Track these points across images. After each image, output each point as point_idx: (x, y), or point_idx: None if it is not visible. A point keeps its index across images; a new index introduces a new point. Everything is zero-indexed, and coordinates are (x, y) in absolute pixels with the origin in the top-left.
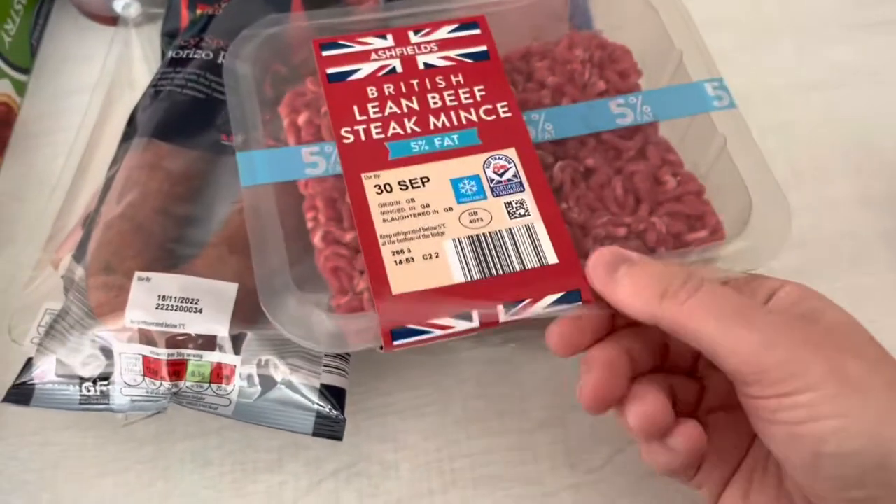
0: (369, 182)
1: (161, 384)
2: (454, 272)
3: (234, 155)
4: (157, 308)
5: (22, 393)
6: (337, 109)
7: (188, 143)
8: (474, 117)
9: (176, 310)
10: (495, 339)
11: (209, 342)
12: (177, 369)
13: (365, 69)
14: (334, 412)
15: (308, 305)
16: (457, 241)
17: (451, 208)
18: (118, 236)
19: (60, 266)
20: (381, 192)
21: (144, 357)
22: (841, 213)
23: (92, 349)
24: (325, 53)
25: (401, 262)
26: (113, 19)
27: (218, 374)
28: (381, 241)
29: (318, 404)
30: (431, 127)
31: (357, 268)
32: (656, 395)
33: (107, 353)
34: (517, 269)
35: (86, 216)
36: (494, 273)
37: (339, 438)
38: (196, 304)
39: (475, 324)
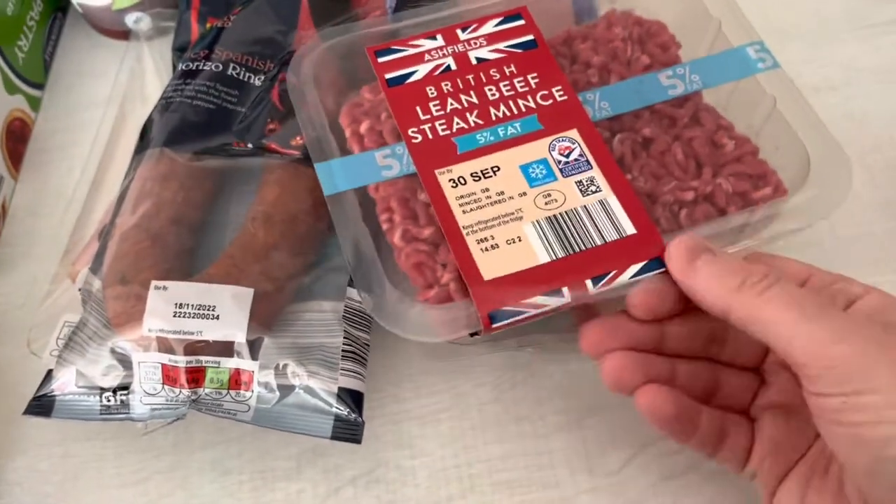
0: (443, 177)
1: (180, 392)
2: (539, 253)
3: (245, 160)
4: (174, 316)
5: (43, 405)
6: (401, 112)
7: (200, 151)
8: (532, 104)
9: (193, 317)
10: (511, 342)
11: (227, 348)
12: (195, 376)
13: (421, 70)
14: (353, 415)
15: (406, 300)
16: (536, 223)
17: (524, 193)
18: (133, 247)
19: (78, 279)
20: (456, 185)
21: (163, 365)
22: (857, 214)
23: (111, 359)
24: (380, 60)
25: (486, 250)
26: (125, 34)
27: (236, 381)
28: (464, 231)
29: (337, 408)
30: (493, 118)
31: (439, 261)
32: (625, 355)
33: (126, 362)
34: (598, 243)
35: (101, 229)
36: (577, 249)
37: (358, 441)
38: (213, 310)
39: (567, 299)
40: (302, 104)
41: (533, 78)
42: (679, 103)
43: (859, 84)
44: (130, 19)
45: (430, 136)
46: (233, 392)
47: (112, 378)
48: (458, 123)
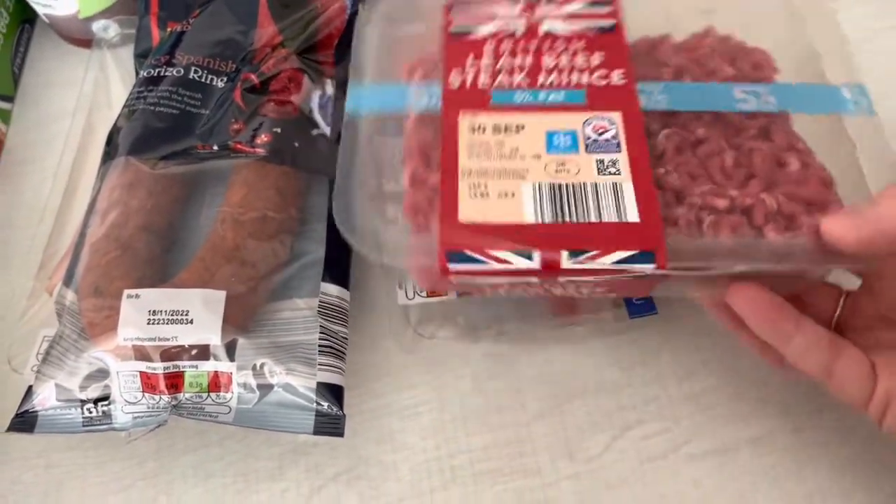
0: (465, 121)
1: (161, 398)
2: (526, 212)
3: (213, 163)
4: (148, 323)
5: (26, 421)
6: (451, 59)
7: (166, 157)
8: (585, 80)
9: (167, 323)
10: (489, 333)
11: (203, 351)
12: (174, 382)
13: (487, 28)
14: (334, 409)
15: (376, 217)
16: (536, 185)
17: (538, 156)
18: (104, 258)
19: (54, 292)
20: (475, 131)
21: (142, 373)
22: None
23: (89, 371)
24: (451, 14)
25: (474, 195)
26: (93, 42)
27: (215, 383)
28: (461, 173)
29: (318, 403)
30: (539, 83)
31: (436, 210)
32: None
33: (104, 373)
34: (593, 220)
35: (75, 242)
36: (568, 220)
37: (341, 435)
38: (186, 315)
39: (535, 264)
40: (360, 36)
41: (598, 56)
42: (752, 115)
43: None
44: (98, 27)
45: (468, 86)
46: (213, 395)
47: (92, 390)
48: (501, 80)
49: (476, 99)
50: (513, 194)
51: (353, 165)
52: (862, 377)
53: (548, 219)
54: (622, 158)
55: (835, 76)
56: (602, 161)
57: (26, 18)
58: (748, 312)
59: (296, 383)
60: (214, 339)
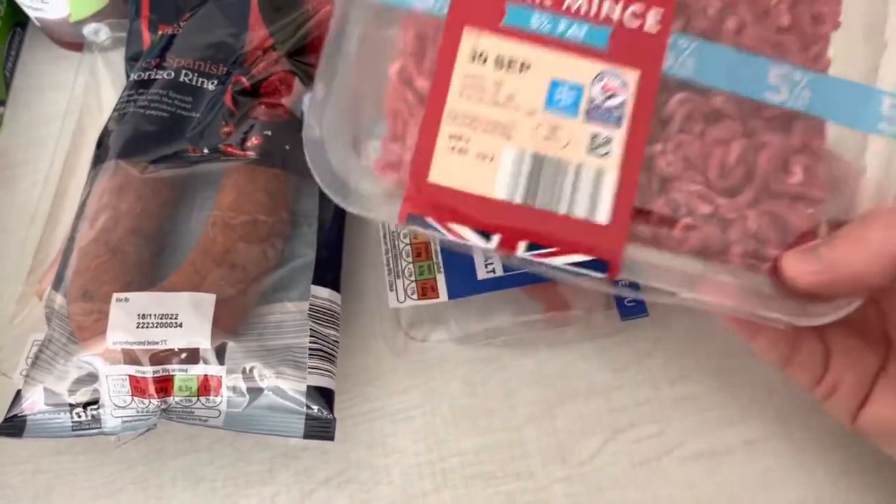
0: (468, 42)
1: (150, 402)
2: (498, 186)
3: (204, 166)
4: (137, 327)
5: (14, 426)
6: None
7: (156, 160)
8: (617, 15)
9: (156, 326)
10: (479, 335)
11: (193, 355)
12: (164, 386)
13: None
14: (324, 413)
15: (348, 149)
16: (520, 152)
17: (533, 112)
18: (94, 261)
19: (44, 297)
20: (475, 60)
21: (131, 377)
22: None
23: (79, 375)
24: None
25: (453, 149)
26: (84, 46)
27: (205, 387)
28: (445, 114)
29: (308, 406)
30: (564, 6)
31: (414, 117)
32: None
33: (93, 377)
34: (563, 211)
35: (65, 246)
36: (537, 205)
37: (331, 439)
38: (175, 318)
39: (491, 246)
40: None
41: None
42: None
43: None
44: (89, 31)
45: None
46: (202, 398)
47: (81, 394)
48: None
49: (488, 11)
50: (492, 158)
51: (335, 73)
52: (814, 368)
53: (518, 199)
54: (618, 137)
55: (888, 76)
56: (596, 136)
57: (18, 22)
58: (730, 325)
59: (286, 387)
60: (204, 343)
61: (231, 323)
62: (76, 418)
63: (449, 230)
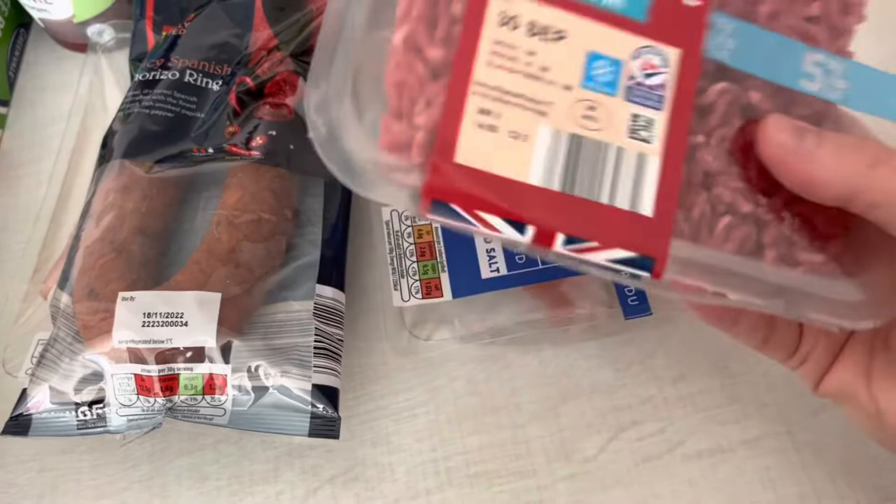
0: (497, 2)
1: (155, 401)
2: (533, 170)
3: (208, 166)
4: (143, 326)
5: (20, 424)
6: None
7: (161, 160)
8: None
9: (162, 325)
10: (483, 334)
11: (198, 354)
12: (169, 384)
13: None
14: (329, 411)
15: (353, 123)
16: (556, 132)
17: (569, 87)
18: (99, 260)
19: (49, 296)
20: (506, 24)
21: (136, 376)
22: None
23: (84, 374)
24: None
25: (481, 126)
26: (88, 47)
27: (210, 385)
28: (472, 86)
29: (313, 405)
30: None
31: (425, 95)
32: None
33: (99, 376)
34: (604, 201)
35: (70, 246)
36: (575, 194)
37: (336, 437)
38: (181, 317)
39: (526, 240)
40: None
41: None
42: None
43: None
44: (93, 32)
45: None
46: (208, 397)
47: (86, 392)
48: None
49: None
50: (526, 137)
51: (337, 37)
52: (789, 344)
53: (555, 186)
54: (660, 120)
55: None
56: (637, 117)
57: (22, 23)
58: (699, 312)
59: (291, 385)
60: (209, 342)
61: (236, 322)
62: (82, 417)
63: (479, 220)
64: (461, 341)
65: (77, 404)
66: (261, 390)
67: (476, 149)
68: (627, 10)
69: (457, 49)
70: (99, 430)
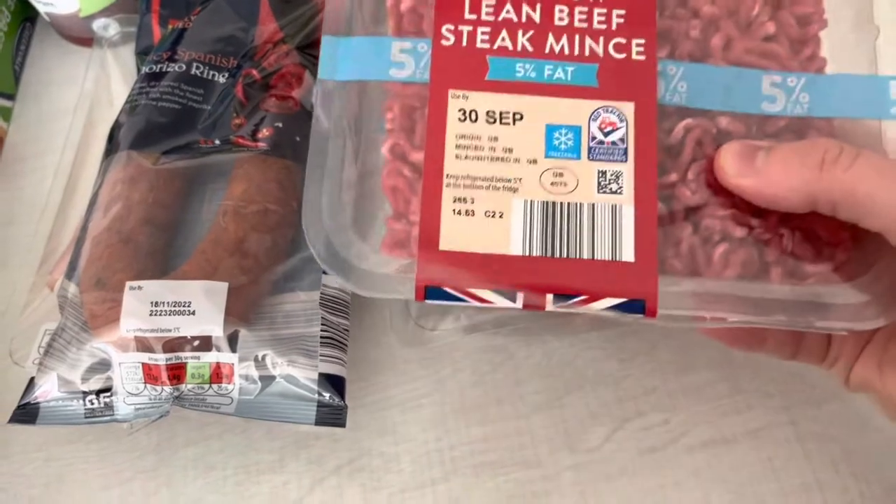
0: (455, 103)
1: (163, 390)
2: (513, 240)
3: (215, 157)
4: (150, 315)
5: (27, 413)
6: (444, 2)
7: (168, 151)
8: (600, 50)
9: (169, 314)
10: (488, 325)
11: (205, 343)
12: (177, 373)
13: None
14: (335, 400)
15: (349, 234)
16: (529, 203)
17: (535, 161)
18: (107, 250)
19: (56, 286)
20: (465, 118)
21: (144, 364)
22: None
23: (91, 363)
24: None
25: (459, 213)
26: (93, 41)
27: (217, 374)
28: (445, 180)
29: (320, 393)
30: (547, 49)
31: (416, 192)
32: None
33: (106, 364)
34: (585, 256)
35: (77, 236)
36: (557, 255)
37: (343, 425)
38: (188, 306)
39: (518, 305)
40: None
41: (619, 16)
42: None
43: None
44: (98, 26)
45: (464, 43)
46: (215, 386)
47: (94, 381)
48: (503, 39)
49: (471, 68)
50: (501, 214)
51: (327, 142)
52: (819, 351)
53: (536, 251)
54: (627, 171)
55: (889, 62)
56: (604, 174)
57: (27, 17)
58: (722, 339)
59: (298, 374)
60: (217, 331)
61: (243, 311)
62: (89, 405)
63: (471, 296)
64: (466, 332)
65: (84, 393)
66: (268, 379)
67: (457, 234)
68: (578, 80)
69: (425, 150)
70: (106, 418)
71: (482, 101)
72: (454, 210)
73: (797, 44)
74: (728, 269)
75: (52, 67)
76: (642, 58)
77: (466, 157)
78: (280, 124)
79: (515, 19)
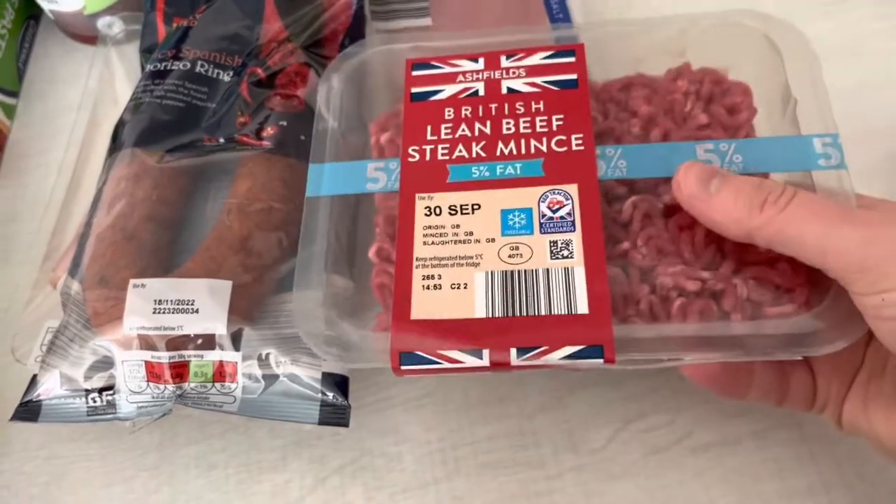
0: (421, 203)
1: (165, 388)
2: (478, 306)
3: (219, 155)
4: (154, 312)
5: (29, 410)
6: (411, 127)
7: (172, 149)
8: (544, 147)
9: (173, 312)
10: None
11: (209, 341)
12: (179, 371)
13: (448, 90)
14: (339, 399)
15: (334, 321)
16: (489, 273)
17: (493, 240)
18: (110, 248)
19: (59, 284)
20: (430, 214)
21: (147, 362)
22: None
23: (94, 360)
24: (414, 73)
25: (427, 288)
26: (97, 39)
27: (220, 373)
28: (415, 263)
29: (323, 393)
30: (497, 153)
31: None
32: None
33: (109, 362)
34: (543, 313)
35: (81, 234)
36: (518, 314)
37: (346, 425)
38: (192, 304)
39: (485, 362)
40: (327, 103)
41: (557, 120)
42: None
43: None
44: (102, 24)
45: (428, 158)
46: (218, 384)
47: (97, 379)
48: (459, 151)
49: (434, 175)
50: (465, 285)
51: (314, 250)
52: (806, 395)
53: (498, 312)
54: (576, 239)
55: (809, 125)
56: (555, 243)
57: (31, 14)
58: (705, 385)
59: (301, 373)
60: (220, 329)
61: (247, 309)
62: (91, 403)
63: (441, 357)
64: None
65: (87, 391)
66: (271, 378)
67: (427, 305)
68: (526, 172)
69: (396, 241)
70: (109, 416)
71: (445, 199)
72: (423, 286)
73: (729, 129)
74: (688, 319)
75: (56, 65)
76: (581, 147)
77: (433, 243)
78: (284, 123)
79: (469, 134)
